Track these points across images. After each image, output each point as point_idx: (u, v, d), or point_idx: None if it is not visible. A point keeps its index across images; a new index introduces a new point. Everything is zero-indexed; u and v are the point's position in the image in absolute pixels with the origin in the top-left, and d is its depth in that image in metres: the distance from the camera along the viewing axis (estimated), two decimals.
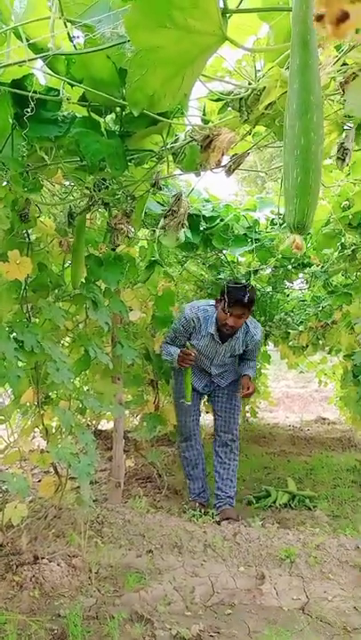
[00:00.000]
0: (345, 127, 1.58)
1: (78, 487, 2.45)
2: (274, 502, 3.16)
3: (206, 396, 3.30)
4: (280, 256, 3.13)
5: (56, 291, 2.25)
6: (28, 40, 1.13)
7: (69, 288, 2.28)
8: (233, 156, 1.58)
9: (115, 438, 2.87)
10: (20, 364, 1.83)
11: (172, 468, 3.83)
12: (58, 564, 2.12)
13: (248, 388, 2.95)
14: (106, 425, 4.93)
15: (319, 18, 0.30)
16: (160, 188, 1.79)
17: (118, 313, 2.71)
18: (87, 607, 1.89)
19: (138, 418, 3.62)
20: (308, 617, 1.89)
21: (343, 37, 0.28)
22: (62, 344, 2.46)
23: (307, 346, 5.37)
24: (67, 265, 2.27)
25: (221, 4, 0.88)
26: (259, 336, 3.08)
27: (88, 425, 4.41)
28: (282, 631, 1.75)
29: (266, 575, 2.14)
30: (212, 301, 3.00)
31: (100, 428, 4.85)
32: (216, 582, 2.11)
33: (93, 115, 1.33)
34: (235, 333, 2.94)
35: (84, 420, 3.23)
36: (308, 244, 3.07)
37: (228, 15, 0.93)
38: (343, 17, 0.27)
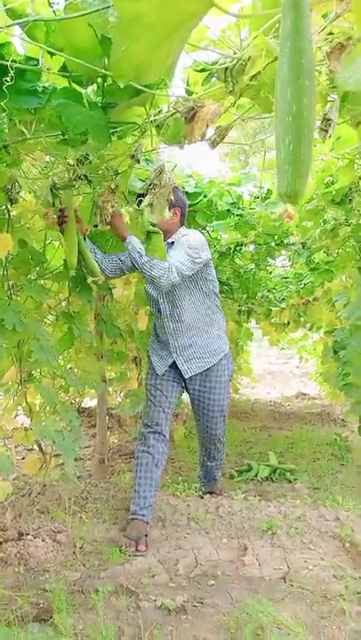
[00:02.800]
0: (330, 99, 1.56)
1: (62, 464, 2.46)
2: (255, 476, 3.22)
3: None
4: (261, 230, 3.12)
5: (37, 268, 2.21)
6: (5, 5, 1.08)
7: (51, 265, 2.25)
8: (217, 128, 1.55)
9: (98, 415, 2.88)
10: (2, 342, 1.81)
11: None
12: (42, 540, 2.14)
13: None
14: (89, 402, 4.93)
15: None
16: (138, 161, 1.75)
17: (101, 290, 2.69)
18: (72, 581, 1.92)
19: (121, 395, 3.63)
20: (290, 586, 1.95)
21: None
22: (45, 322, 2.43)
23: (288, 323, 5.42)
24: (48, 241, 2.23)
25: None
26: (190, 237, 2.46)
27: (72, 402, 4.41)
28: (264, 600, 1.80)
29: (248, 546, 2.19)
30: None
31: (83, 405, 4.86)
32: (199, 554, 2.15)
33: (75, 85, 1.29)
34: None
35: (67, 398, 3.23)
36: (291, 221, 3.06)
37: None
38: None
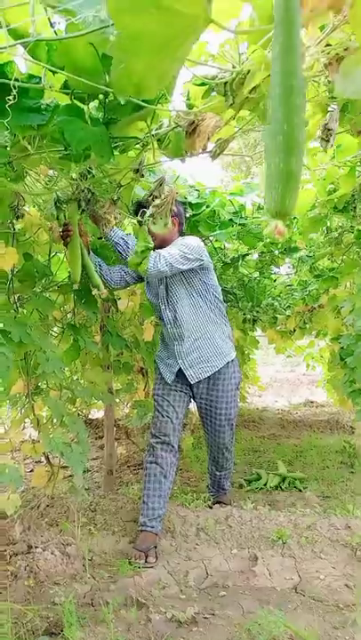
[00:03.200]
0: (329, 109, 1.58)
1: (70, 476, 2.46)
2: (265, 485, 3.21)
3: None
4: (268, 241, 3.14)
5: (43, 280, 2.23)
6: (7, 26, 1.10)
7: (56, 278, 2.27)
8: (218, 140, 1.56)
9: (106, 426, 2.88)
10: (9, 355, 1.82)
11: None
12: (52, 553, 2.13)
13: None
14: (96, 414, 4.94)
15: None
16: (142, 175, 1.77)
17: (106, 302, 2.71)
18: (82, 594, 1.91)
19: (128, 406, 3.63)
20: (301, 596, 1.93)
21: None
22: (51, 334, 2.45)
23: (294, 330, 5.41)
24: (52, 254, 2.25)
25: None
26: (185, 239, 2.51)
27: (79, 414, 4.41)
28: (276, 611, 1.78)
29: (258, 556, 2.18)
30: None
31: (90, 417, 4.86)
32: (209, 565, 2.14)
33: (76, 102, 1.31)
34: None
35: (74, 410, 3.24)
36: (295, 229, 3.07)
37: None
38: None
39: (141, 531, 2.32)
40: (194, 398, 2.61)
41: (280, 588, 1.99)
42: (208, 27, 0.86)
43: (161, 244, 2.34)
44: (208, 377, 2.52)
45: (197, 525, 2.47)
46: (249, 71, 1.26)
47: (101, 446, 3.46)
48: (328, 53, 1.32)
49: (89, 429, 4.17)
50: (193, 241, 2.40)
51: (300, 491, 3.14)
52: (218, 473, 2.79)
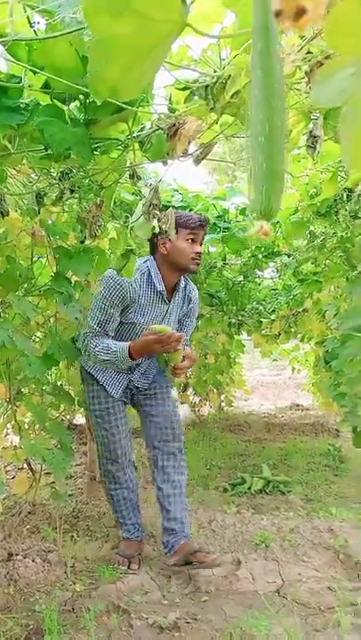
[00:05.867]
0: (312, 116, 1.59)
1: (53, 482, 2.43)
2: (249, 489, 3.20)
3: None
4: (253, 247, 3.15)
5: (25, 285, 2.21)
6: None
7: (39, 281, 2.24)
8: (201, 144, 1.57)
9: (89, 432, 2.86)
10: None
11: (144, 460, 3.85)
12: (33, 560, 2.10)
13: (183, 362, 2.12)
14: (81, 419, 4.90)
15: (278, 13, 0.29)
16: (140, 178, 1.76)
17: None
18: (63, 601, 1.89)
19: None
20: (284, 599, 1.93)
21: (303, 30, 0.28)
22: (33, 339, 2.42)
23: (279, 334, 5.43)
24: (35, 258, 2.23)
25: None
26: (197, 292, 2.40)
27: (63, 419, 4.37)
28: (258, 614, 1.78)
29: (242, 561, 2.18)
30: (139, 259, 2.24)
31: (75, 422, 4.82)
32: (192, 570, 2.13)
33: (57, 102, 1.30)
34: (177, 286, 2.23)
35: (58, 415, 3.21)
36: (278, 233, 3.09)
37: (189, 2, 0.91)
38: (301, 12, 0.26)
39: (125, 538, 2.30)
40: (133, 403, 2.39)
41: (263, 591, 1.98)
42: (184, 32, 0.85)
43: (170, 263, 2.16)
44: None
45: None
46: (230, 76, 1.26)
47: (86, 452, 3.42)
48: (309, 61, 1.33)
49: (73, 435, 4.13)
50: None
51: (285, 494, 3.14)
52: (171, 491, 2.23)
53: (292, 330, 5.28)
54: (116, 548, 2.32)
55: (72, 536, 2.41)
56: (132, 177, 1.60)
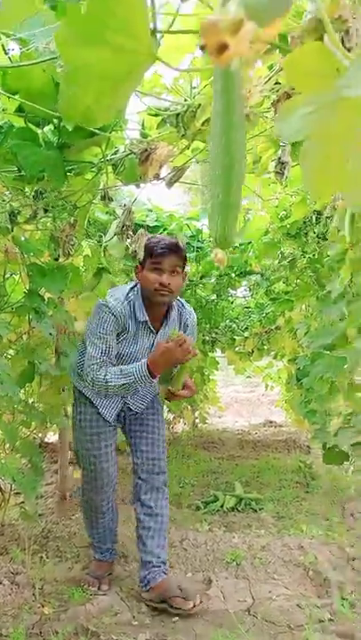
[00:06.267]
0: (281, 143, 1.66)
1: (22, 502, 2.40)
2: (221, 506, 3.21)
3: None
4: (225, 267, 3.21)
5: None
6: None
7: (11, 299, 2.24)
8: (174, 168, 1.61)
9: (60, 450, 2.83)
10: None
11: (122, 476, 3.81)
12: (0, 583, 2.06)
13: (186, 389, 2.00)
14: (53, 437, 4.83)
15: (202, 47, 0.32)
16: (111, 200, 1.79)
17: (63, 323, 2.69)
18: (31, 624, 1.85)
19: None
20: (254, 617, 1.93)
21: (226, 65, 0.31)
22: (5, 356, 2.40)
23: (252, 351, 5.50)
24: (7, 275, 2.23)
25: (152, 25, 0.91)
26: (195, 318, 2.24)
27: (34, 437, 4.31)
28: (228, 634, 1.78)
29: (213, 579, 2.17)
30: (131, 283, 2.15)
31: (47, 440, 4.75)
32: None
33: (31, 125, 1.33)
34: (168, 314, 2.07)
35: (29, 433, 3.17)
36: (250, 253, 3.16)
37: (159, 35, 0.96)
38: (223, 48, 0.29)
39: (96, 559, 2.26)
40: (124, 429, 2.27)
41: (233, 610, 1.98)
42: (153, 63, 0.90)
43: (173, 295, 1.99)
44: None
45: None
46: (200, 105, 1.31)
47: (57, 470, 3.38)
48: (277, 91, 1.39)
49: (45, 453, 4.08)
50: (195, 316, 2.25)
51: (256, 512, 3.16)
52: (152, 525, 2.11)
53: (265, 347, 5.35)
54: (86, 568, 2.29)
55: (41, 557, 2.37)
56: (103, 198, 1.63)
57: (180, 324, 2.15)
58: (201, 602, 1.96)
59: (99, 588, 2.12)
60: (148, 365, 1.83)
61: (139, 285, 2.03)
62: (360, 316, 2.29)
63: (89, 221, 2.35)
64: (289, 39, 0.95)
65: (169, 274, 1.91)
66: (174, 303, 2.09)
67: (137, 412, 2.20)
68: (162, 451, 2.21)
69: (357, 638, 1.74)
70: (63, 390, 2.73)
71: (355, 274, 2.30)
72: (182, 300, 2.21)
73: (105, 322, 1.97)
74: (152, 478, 2.15)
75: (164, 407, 5.18)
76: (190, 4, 1.19)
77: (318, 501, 3.28)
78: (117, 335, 2.00)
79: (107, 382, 1.88)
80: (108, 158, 1.47)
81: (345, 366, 2.71)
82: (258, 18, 0.30)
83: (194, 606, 1.92)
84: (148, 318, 1.99)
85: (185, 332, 2.14)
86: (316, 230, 2.51)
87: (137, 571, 2.13)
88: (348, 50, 0.93)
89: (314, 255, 2.72)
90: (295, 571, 2.23)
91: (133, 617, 1.95)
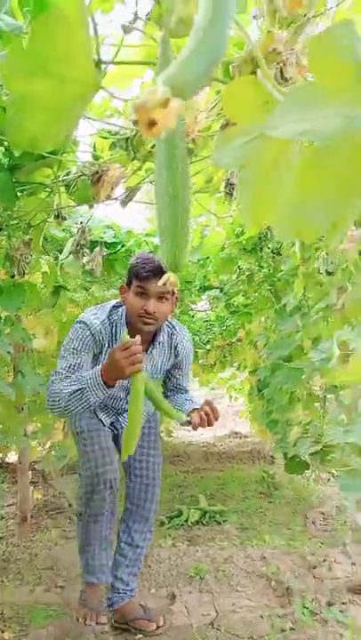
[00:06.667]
0: None
1: None
2: (186, 521, 3.21)
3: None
4: (184, 282, 3.25)
5: None
6: None
7: None
8: (127, 188, 1.64)
9: (19, 471, 2.79)
10: None
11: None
12: None
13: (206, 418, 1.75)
14: (13, 457, 4.73)
15: (135, 122, 0.35)
16: (64, 219, 1.80)
17: (20, 341, 2.66)
18: None
19: (46, 448, 3.53)
20: (218, 631, 1.94)
21: (156, 137, 0.34)
22: None
23: (215, 363, 5.56)
24: None
25: (95, 57, 0.94)
26: (188, 342, 2.03)
27: None
28: None
29: (176, 594, 2.18)
30: (113, 301, 1.94)
31: (7, 460, 4.65)
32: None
33: None
34: (156, 337, 1.89)
35: None
36: (209, 268, 3.21)
37: (104, 67, 1.00)
38: (152, 123, 0.32)
39: (89, 584, 2.00)
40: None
41: (197, 624, 1.99)
42: (97, 92, 0.93)
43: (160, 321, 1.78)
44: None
45: None
46: None
47: (17, 491, 3.31)
48: (224, 115, 1.45)
49: (4, 474, 3.99)
50: (190, 340, 2.05)
51: (220, 524, 3.17)
52: (130, 554, 2.03)
53: (228, 359, 5.42)
54: (48, 591, 2.25)
55: (2, 580, 2.31)
56: (57, 217, 1.64)
57: (171, 348, 1.95)
58: (164, 623, 1.97)
59: (97, 623, 1.98)
60: (101, 371, 1.55)
61: (125, 306, 1.83)
62: (314, 328, 2.36)
63: (45, 239, 2.35)
64: (230, 69, 1.00)
65: (156, 300, 1.71)
66: (163, 326, 1.90)
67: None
68: (156, 476, 2.06)
69: None
70: (22, 410, 2.70)
71: (307, 288, 2.38)
72: (174, 322, 1.99)
73: (80, 339, 1.78)
74: (142, 507, 2.04)
75: None
76: (137, 35, 1.23)
77: (281, 511, 3.33)
78: (94, 356, 1.83)
79: (60, 391, 1.62)
80: (60, 179, 1.48)
81: (303, 377, 2.79)
82: (182, 95, 0.33)
83: (157, 627, 1.93)
84: None
85: (175, 358, 1.98)
86: (270, 246, 2.59)
87: (103, 591, 2.10)
88: (287, 80, 0.99)
89: (269, 270, 2.80)
90: (258, 582, 2.26)
91: (95, 636, 1.93)
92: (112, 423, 2.03)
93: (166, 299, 1.74)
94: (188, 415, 1.80)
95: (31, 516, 3.00)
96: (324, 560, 2.34)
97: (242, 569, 2.36)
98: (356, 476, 1.71)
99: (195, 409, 1.81)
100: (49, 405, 1.66)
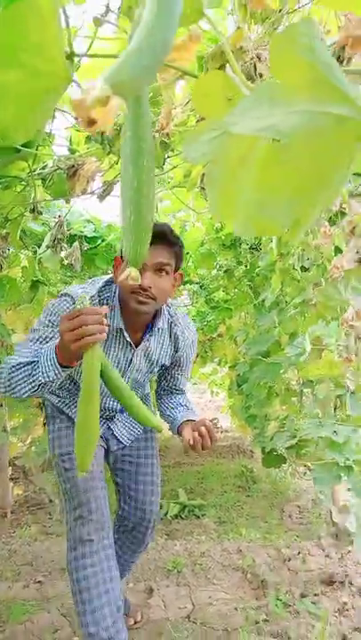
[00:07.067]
0: None
1: None
2: (165, 515, 3.23)
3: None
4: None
5: None
6: None
7: None
8: (104, 182, 1.63)
9: None
10: None
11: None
12: None
13: (202, 436, 1.38)
14: None
15: (76, 118, 0.35)
16: (40, 213, 1.79)
17: None
18: None
19: (27, 443, 3.51)
20: (193, 624, 1.96)
21: (95, 134, 0.34)
22: None
23: (196, 359, 5.57)
24: None
25: (67, 49, 0.94)
26: (192, 333, 1.68)
27: None
28: None
29: (154, 588, 2.19)
30: (107, 277, 1.58)
31: None
32: None
33: None
34: (154, 323, 1.55)
35: None
36: (189, 263, 3.22)
37: (76, 59, 0.99)
38: (92, 122, 0.33)
39: (89, 635, 1.47)
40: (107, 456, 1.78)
41: (174, 618, 2.01)
42: (69, 85, 0.92)
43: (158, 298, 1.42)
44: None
45: None
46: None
47: None
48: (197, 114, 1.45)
49: None
50: (195, 332, 1.71)
51: (199, 518, 3.20)
52: (126, 556, 1.82)
53: (208, 354, 5.44)
54: (27, 587, 2.24)
55: None
56: (32, 211, 1.63)
57: (171, 340, 1.62)
58: (142, 618, 1.97)
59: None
60: (56, 347, 1.20)
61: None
62: (290, 323, 2.39)
63: (24, 232, 2.34)
64: (204, 63, 1.00)
65: (153, 273, 1.40)
66: (164, 310, 1.58)
67: (124, 445, 1.74)
68: (155, 497, 1.78)
69: (290, 636, 1.80)
70: (1, 405, 2.68)
71: (285, 283, 2.40)
72: (175, 310, 1.67)
73: (60, 313, 1.42)
74: (139, 531, 1.77)
75: None
76: (110, 28, 1.22)
77: (258, 505, 3.37)
78: None
79: (10, 367, 1.26)
80: (36, 173, 1.47)
81: (281, 372, 2.82)
82: (123, 93, 0.33)
83: (135, 623, 1.93)
84: (123, 326, 1.48)
85: (175, 352, 1.65)
86: (248, 242, 2.60)
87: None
88: (261, 76, 1.00)
89: (246, 266, 2.82)
90: (234, 574, 2.28)
91: (74, 632, 1.93)
92: (101, 435, 1.67)
93: (166, 272, 1.42)
94: (180, 428, 1.58)
95: (11, 512, 2.99)
96: (299, 553, 2.37)
97: (218, 562, 2.38)
98: (329, 470, 1.74)
99: (189, 420, 1.56)
100: (6, 374, 1.27)
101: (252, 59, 1.00)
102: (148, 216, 0.79)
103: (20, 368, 1.25)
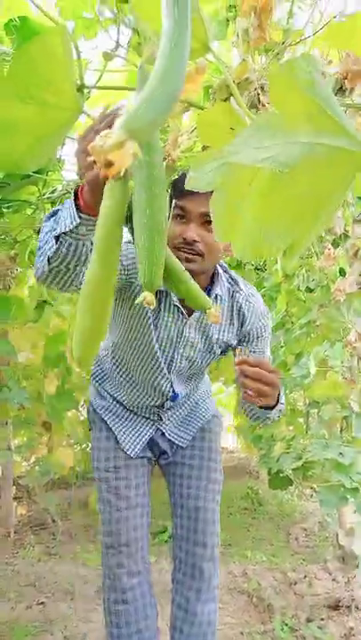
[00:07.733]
0: None
1: None
2: (170, 537, 3.19)
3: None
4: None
5: None
6: None
7: None
8: None
9: (3, 486, 2.77)
10: None
11: (68, 512, 3.74)
12: None
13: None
14: None
15: (93, 162, 0.38)
16: None
17: (6, 355, 2.67)
18: None
19: (31, 462, 3.50)
20: None
21: (115, 176, 0.37)
22: None
23: None
24: None
25: (78, 82, 0.98)
26: (260, 303, 1.36)
27: None
28: None
29: (158, 611, 2.16)
30: None
31: None
32: None
33: None
34: (211, 289, 1.27)
35: None
36: None
37: (86, 91, 1.04)
38: (109, 164, 0.35)
39: None
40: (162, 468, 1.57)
41: None
42: (79, 116, 0.96)
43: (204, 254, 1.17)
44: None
45: (98, 585, 2.41)
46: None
47: (0, 506, 3.28)
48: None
49: None
50: (264, 305, 1.41)
51: None
52: (185, 628, 1.47)
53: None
54: (30, 608, 2.22)
55: None
56: (38, 232, 1.67)
57: (233, 311, 1.32)
58: None
59: None
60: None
61: None
62: (296, 344, 2.40)
63: (32, 253, 2.38)
64: (210, 94, 1.04)
65: (199, 226, 1.16)
66: (222, 275, 1.30)
67: (178, 447, 1.49)
68: (214, 510, 1.50)
69: None
70: (6, 424, 2.69)
71: (290, 304, 2.42)
72: (235, 275, 1.37)
73: None
74: (194, 553, 1.45)
75: None
76: (120, 60, 1.27)
77: (264, 527, 3.33)
78: (121, 293, 1.23)
79: (44, 233, 0.98)
80: (45, 197, 1.52)
81: (287, 392, 2.82)
82: (138, 138, 0.36)
83: None
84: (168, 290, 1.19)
85: (241, 326, 1.33)
86: (253, 262, 2.63)
87: None
88: (264, 106, 1.03)
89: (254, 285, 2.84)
90: (239, 598, 2.25)
91: None
92: (147, 440, 1.43)
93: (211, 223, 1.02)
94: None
95: (14, 532, 2.97)
96: (305, 576, 2.34)
97: (224, 585, 2.35)
98: (336, 492, 1.74)
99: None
100: (38, 265, 1.00)
101: (255, 89, 1.04)
102: (162, 242, 0.82)
103: (47, 221, 1.00)
